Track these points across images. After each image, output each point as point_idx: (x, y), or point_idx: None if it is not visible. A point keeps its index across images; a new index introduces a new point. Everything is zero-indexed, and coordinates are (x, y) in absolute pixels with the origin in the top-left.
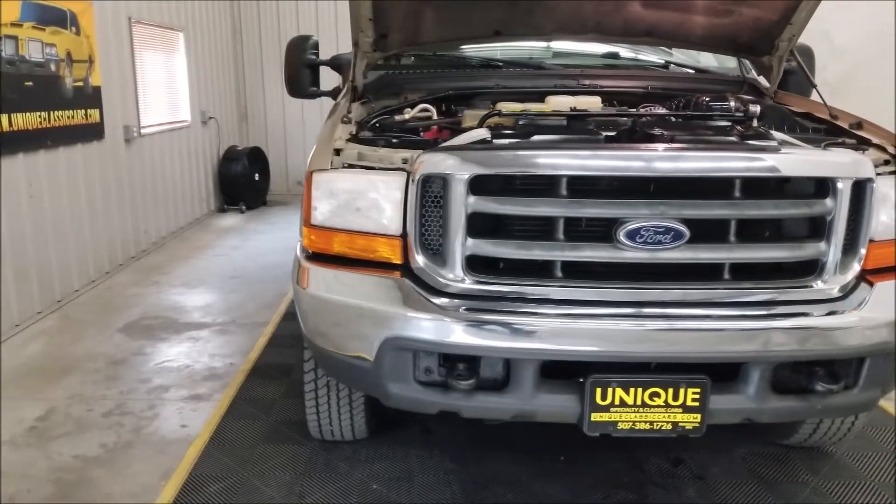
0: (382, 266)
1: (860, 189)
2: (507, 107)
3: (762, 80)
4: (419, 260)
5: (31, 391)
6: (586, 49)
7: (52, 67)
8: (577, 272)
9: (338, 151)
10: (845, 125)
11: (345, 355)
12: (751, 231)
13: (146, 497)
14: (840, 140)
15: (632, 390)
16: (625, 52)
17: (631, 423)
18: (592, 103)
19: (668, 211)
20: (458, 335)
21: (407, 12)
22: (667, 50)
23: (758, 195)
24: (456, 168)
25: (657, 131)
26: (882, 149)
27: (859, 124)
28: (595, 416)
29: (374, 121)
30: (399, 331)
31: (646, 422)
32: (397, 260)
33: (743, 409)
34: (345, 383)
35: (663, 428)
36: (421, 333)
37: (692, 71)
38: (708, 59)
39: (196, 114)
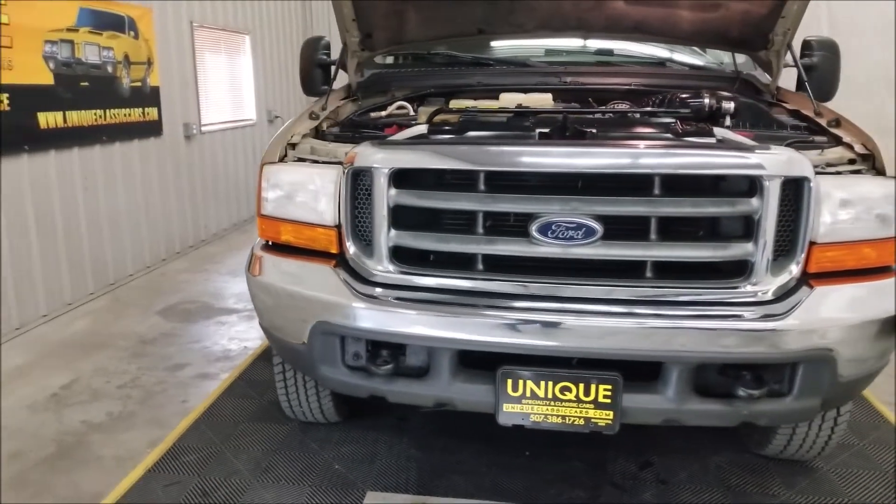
0: (322, 255)
1: (798, 188)
2: (457, 104)
3: (765, 77)
4: (350, 250)
5: (64, 362)
6: (588, 46)
7: (109, 69)
8: (503, 266)
9: (294, 146)
10: (824, 122)
11: (286, 339)
12: (684, 230)
13: (130, 461)
14: (810, 139)
15: (542, 383)
16: (622, 49)
17: (543, 416)
18: (543, 100)
19: (581, 207)
20: (377, 322)
21: (388, 11)
22: (667, 47)
23: (682, 193)
24: (378, 162)
25: (588, 129)
26: (850, 148)
27: (837, 122)
28: (507, 407)
29: (348, 117)
30: (327, 316)
31: (558, 415)
32: (334, 249)
33: (661, 410)
34: (291, 366)
35: (576, 423)
36: (345, 320)
37: (686, 68)
38: (715, 56)
39: (262, 113)
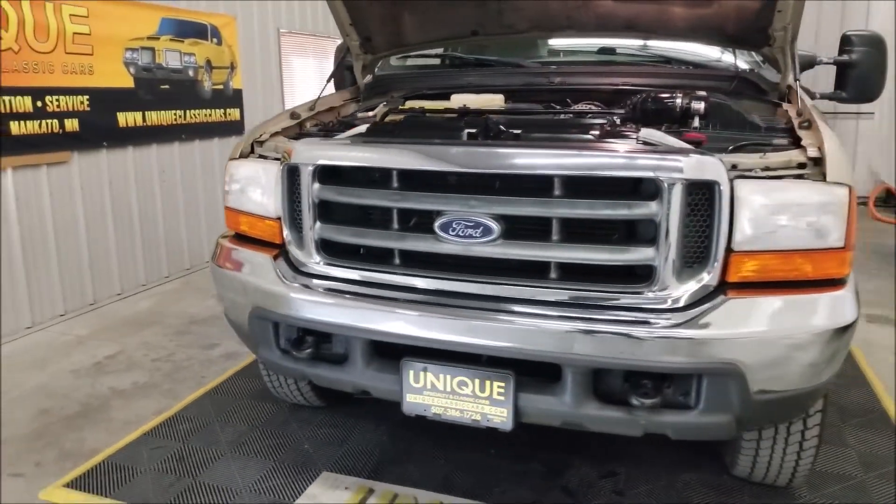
0: (269, 245)
1: (710, 194)
2: (412, 104)
3: (772, 75)
4: (286, 241)
5: (117, 336)
6: (592, 45)
7: (190, 73)
8: (417, 262)
9: (262, 143)
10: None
11: (236, 321)
12: (600, 233)
13: (135, 424)
14: (769, 142)
15: (441, 376)
16: (625, 48)
17: (443, 409)
18: (492, 101)
19: (478, 206)
20: (297, 310)
21: (383, 15)
22: (669, 46)
23: (580, 195)
24: (303, 158)
25: (514, 130)
26: (805, 151)
27: (809, 123)
28: (410, 398)
29: (340, 117)
30: (261, 302)
31: (457, 409)
32: (278, 241)
33: (558, 412)
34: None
35: (473, 418)
36: (273, 306)
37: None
38: (720, 55)
39: None
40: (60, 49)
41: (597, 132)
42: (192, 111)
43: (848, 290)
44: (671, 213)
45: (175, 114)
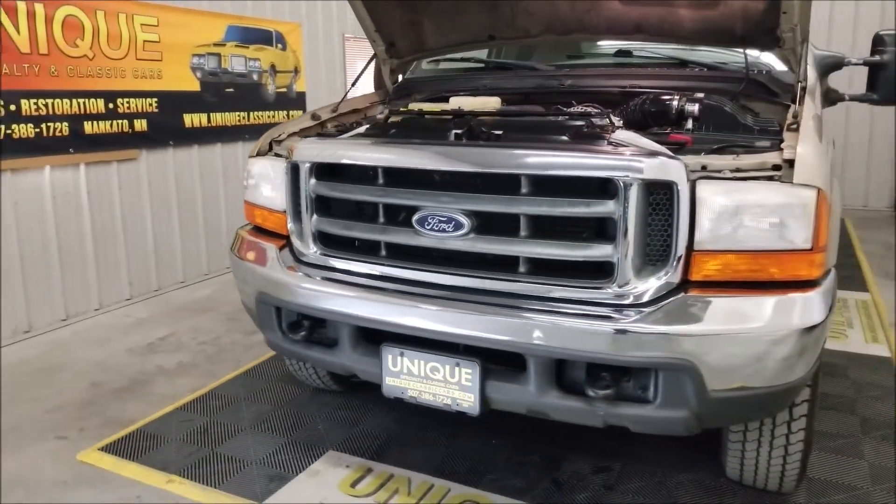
0: (277, 236)
1: (670, 193)
2: (413, 106)
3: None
4: (290, 233)
5: (172, 320)
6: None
7: (255, 77)
8: (401, 254)
9: (280, 142)
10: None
11: (247, 306)
12: (571, 230)
13: (171, 399)
14: (751, 144)
15: (416, 361)
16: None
17: (418, 392)
18: (488, 103)
19: (450, 203)
20: (293, 295)
21: (405, 22)
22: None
23: (545, 193)
24: (302, 156)
25: (491, 131)
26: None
27: (797, 125)
28: (389, 381)
29: (361, 120)
30: (263, 288)
31: (430, 393)
32: (284, 232)
33: (522, 401)
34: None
35: (445, 402)
36: (273, 292)
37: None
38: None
39: None
40: (132, 55)
41: (573, 133)
42: (256, 113)
43: (816, 293)
44: (629, 211)
45: (239, 115)
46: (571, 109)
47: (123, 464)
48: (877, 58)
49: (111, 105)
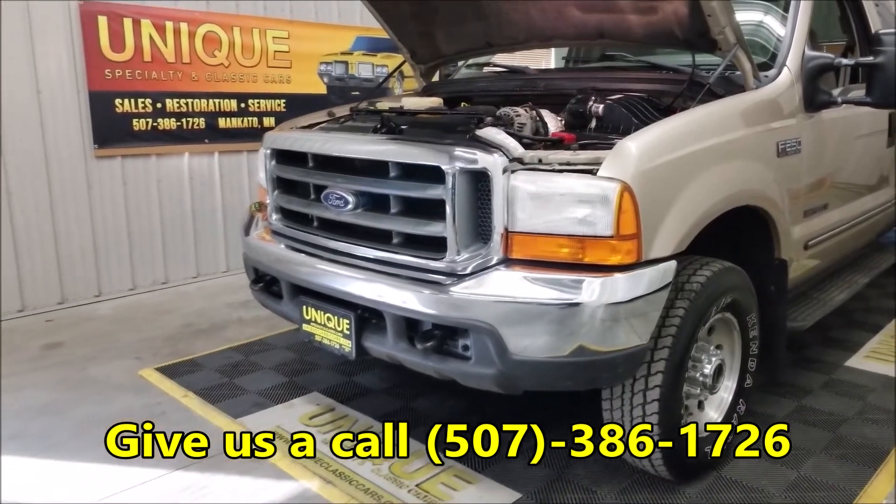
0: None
1: (485, 181)
2: (380, 105)
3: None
4: (267, 207)
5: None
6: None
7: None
8: (323, 225)
9: None
10: None
11: (245, 265)
12: (428, 210)
13: (231, 341)
14: (607, 140)
15: (319, 312)
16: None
17: (321, 338)
18: (427, 102)
19: (340, 183)
20: (254, 255)
21: (419, 33)
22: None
23: (401, 177)
24: (266, 144)
25: (398, 126)
26: None
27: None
28: (304, 327)
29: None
30: (244, 250)
31: (327, 339)
32: None
33: (383, 350)
34: None
35: (335, 347)
36: (248, 252)
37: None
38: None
39: None
40: (263, 63)
41: (449, 129)
42: None
43: (623, 276)
44: (457, 195)
45: None
46: (471, 108)
47: (164, 381)
48: (870, 58)
49: (243, 105)
